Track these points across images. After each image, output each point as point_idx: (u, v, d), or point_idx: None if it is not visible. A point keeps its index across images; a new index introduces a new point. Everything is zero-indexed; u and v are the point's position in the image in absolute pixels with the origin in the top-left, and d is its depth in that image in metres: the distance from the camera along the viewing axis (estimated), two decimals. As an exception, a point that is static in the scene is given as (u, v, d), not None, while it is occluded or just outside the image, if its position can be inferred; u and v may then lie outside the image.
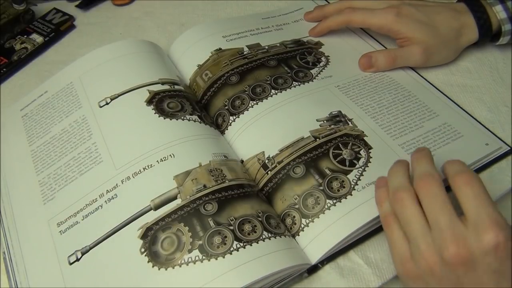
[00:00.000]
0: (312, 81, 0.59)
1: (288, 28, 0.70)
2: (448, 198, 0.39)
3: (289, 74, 0.60)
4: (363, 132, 0.53)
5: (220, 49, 0.64)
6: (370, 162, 0.50)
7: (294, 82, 0.59)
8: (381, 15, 0.61)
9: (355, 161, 0.50)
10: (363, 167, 0.50)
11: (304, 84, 0.59)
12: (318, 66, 0.62)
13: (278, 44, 0.65)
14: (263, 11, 0.75)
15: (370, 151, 0.51)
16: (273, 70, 0.61)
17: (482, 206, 0.38)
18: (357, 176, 0.49)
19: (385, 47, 0.66)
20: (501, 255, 0.36)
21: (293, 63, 0.62)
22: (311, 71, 0.61)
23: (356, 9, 0.63)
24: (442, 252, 0.38)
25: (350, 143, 0.52)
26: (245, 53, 0.63)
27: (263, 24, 0.70)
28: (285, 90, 0.58)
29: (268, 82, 0.59)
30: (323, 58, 0.63)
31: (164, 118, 0.54)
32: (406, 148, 0.52)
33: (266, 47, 0.64)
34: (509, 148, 0.53)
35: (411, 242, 0.40)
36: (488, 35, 0.60)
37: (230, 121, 0.56)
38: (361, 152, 0.51)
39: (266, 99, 0.57)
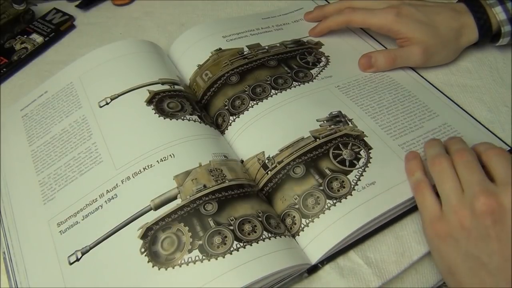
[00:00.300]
0: (312, 81, 0.59)
1: (288, 28, 0.70)
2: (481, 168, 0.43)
3: (289, 74, 0.60)
4: (363, 132, 0.53)
5: (220, 49, 0.64)
6: (370, 162, 0.50)
7: (294, 82, 0.59)
8: (381, 15, 0.61)
9: (355, 162, 0.50)
10: (363, 168, 0.50)
11: (304, 84, 0.59)
12: (318, 66, 0.62)
13: (278, 44, 0.65)
14: (263, 11, 0.75)
15: (370, 151, 0.51)
16: (273, 70, 0.60)
17: (509, 169, 0.42)
18: (357, 177, 0.49)
19: (385, 47, 0.66)
20: None
21: (293, 63, 0.62)
22: (311, 71, 0.61)
23: (356, 9, 0.63)
24: (472, 204, 0.40)
25: (350, 144, 0.52)
26: (245, 53, 0.63)
27: (263, 24, 0.70)
28: (285, 90, 0.58)
29: (268, 82, 0.59)
30: (323, 58, 0.63)
31: (164, 118, 0.54)
32: (406, 148, 0.52)
33: (266, 47, 0.64)
34: (509, 148, 0.53)
35: (444, 201, 0.43)
36: (488, 35, 0.60)
37: (230, 121, 0.56)
38: (361, 152, 0.51)
39: (266, 99, 0.57)
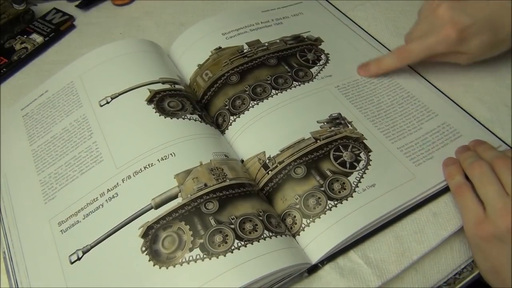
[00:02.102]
0: (312, 81, 0.59)
1: (288, 22, 0.70)
2: None
3: (289, 74, 0.60)
4: (363, 135, 0.53)
5: (220, 47, 0.64)
6: (370, 165, 0.51)
7: (294, 82, 0.59)
8: (439, 37, 0.54)
9: (356, 164, 0.50)
10: (363, 170, 0.50)
11: (304, 84, 0.59)
12: (318, 64, 0.62)
13: (278, 41, 0.65)
14: (262, 5, 0.74)
15: (369, 154, 0.52)
16: (273, 69, 0.61)
17: None
18: (358, 179, 0.49)
19: (382, 44, 0.66)
20: None
21: (293, 61, 0.62)
22: (311, 70, 0.61)
23: (409, 50, 0.57)
24: None
25: (350, 146, 0.52)
26: (245, 51, 0.63)
27: (263, 18, 0.70)
28: (286, 91, 0.58)
29: (269, 82, 0.59)
30: (323, 56, 0.63)
31: (165, 117, 0.54)
32: (405, 151, 0.52)
33: (266, 44, 0.64)
34: (509, 148, 0.53)
35: (487, 204, 0.44)
36: None
37: (231, 121, 0.56)
38: (361, 154, 0.51)
39: (267, 99, 0.57)
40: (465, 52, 0.54)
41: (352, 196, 0.48)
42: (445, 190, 0.50)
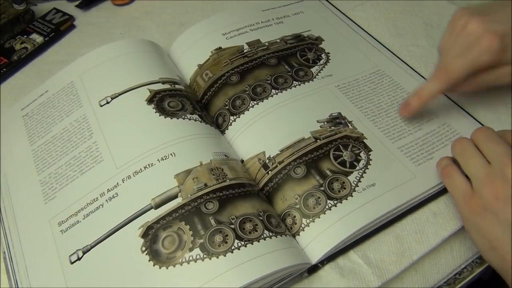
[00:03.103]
0: (313, 80, 0.59)
1: (288, 21, 0.70)
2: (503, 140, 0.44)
3: (289, 73, 0.60)
4: (363, 134, 0.53)
5: (220, 48, 0.64)
6: (370, 164, 0.51)
7: (294, 82, 0.59)
8: (480, 50, 0.49)
9: (355, 163, 0.50)
10: (363, 169, 0.50)
11: (304, 83, 0.59)
12: (318, 64, 0.62)
13: (278, 40, 0.65)
14: (263, 3, 0.74)
15: (370, 153, 0.52)
16: (274, 69, 0.61)
17: None
18: (357, 178, 0.49)
19: (383, 44, 0.66)
20: None
21: (293, 61, 0.62)
22: (311, 69, 0.61)
23: (451, 70, 0.51)
24: (503, 173, 0.41)
25: (350, 145, 0.52)
26: (245, 51, 0.63)
27: (263, 17, 0.70)
28: (286, 90, 0.58)
29: (269, 81, 0.59)
30: (323, 55, 0.63)
31: (165, 117, 0.54)
32: (405, 151, 0.52)
33: (266, 44, 0.64)
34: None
35: (472, 178, 0.44)
36: None
37: (231, 121, 0.56)
38: (361, 154, 0.51)
39: (267, 99, 0.57)
40: (508, 62, 0.50)
41: (352, 196, 0.48)
42: (445, 190, 0.50)
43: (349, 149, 0.52)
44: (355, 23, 0.70)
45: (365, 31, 0.68)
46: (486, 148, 0.44)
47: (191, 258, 0.43)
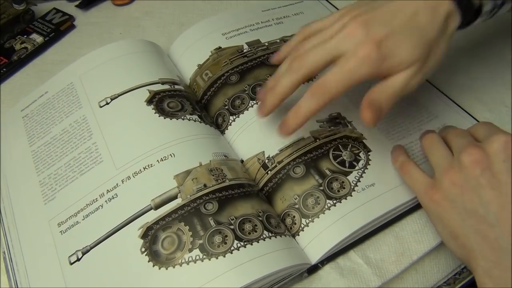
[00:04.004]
0: (312, 80, 0.59)
1: (288, 21, 0.70)
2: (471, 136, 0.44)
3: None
4: (362, 134, 0.53)
5: (220, 47, 0.64)
6: (369, 164, 0.51)
7: (294, 82, 0.59)
8: (356, 62, 0.43)
9: (355, 163, 0.50)
10: (362, 169, 0.50)
11: (303, 83, 0.59)
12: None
13: (278, 40, 0.65)
14: (263, 3, 0.74)
15: (369, 153, 0.52)
16: (273, 69, 0.60)
17: (491, 128, 0.44)
18: (357, 178, 0.49)
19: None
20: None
21: (292, 60, 0.62)
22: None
23: (325, 83, 0.44)
24: (460, 160, 0.40)
25: (350, 145, 0.52)
26: (244, 51, 0.63)
27: (263, 18, 0.69)
28: (285, 90, 0.58)
29: (268, 81, 0.59)
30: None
31: (164, 118, 0.54)
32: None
33: (266, 44, 0.64)
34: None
35: (435, 169, 0.44)
36: (469, 14, 0.46)
37: (230, 121, 0.56)
38: (361, 154, 0.51)
39: (266, 98, 0.57)
40: (396, 67, 0.43)
41: (351, 195, 0.48)
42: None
43: (348, 149, 0.52)
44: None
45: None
46: (452, 141, 0.44)
47: (190, 258, 0.43)
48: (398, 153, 0.50)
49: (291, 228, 0.48)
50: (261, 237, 0.44)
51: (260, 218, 0.46)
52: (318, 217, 0.47)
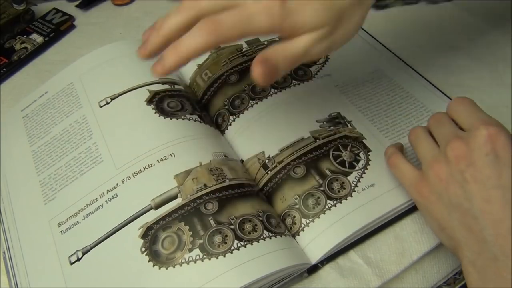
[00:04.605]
0: (312, 80, 0.59)
1: None
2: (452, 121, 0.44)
3: (288, 72, 0.60)
4: (362, 134, 0.53)
5: (219, 47, 0.64)
6: (369, 164, 0.50)
7: (293, 81, 0.59)
8: (261, 17, 0.37)
9: (355, 163, 0.50)
10: (362, 169, 0.50)
11: (303, 82, 0.59)
12: (318, 63, 0.62)
13: (277, 39, 0.65)
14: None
15: (369, 153, 0.51)
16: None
17: (473, 113, 0.42)
18: (357, 178, 0.49)
19: (383, 44, 0.65)
20: (495, 146, 0.38)
21: (292, 60, 0.62)
22: (310, 68, 0.61)
23: (218, 19, 0.37)
24: (445, 154, 0.40)
25: (350, 145, 0.52)
26: (244, 50, 0.63)
27: None
28: (285, 89, 0.58)
29: (268, 81, 0.59)
30: (322, 54, 0.63)
31: (164, 118, 0.54)
32: (405, 151, 0.52)
33: (266, 42, 0.64)
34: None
35: (422, 162, 0.44)
36: None
37: (230, 121, 0.56)
38: (361, 154, 0.51)
39: (266, 98, 0.57)
40: (300, 28, 0.38)
41: (351, 196, 0.48)
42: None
43: (348, 149, 0.52)
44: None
45: (365, 31, 0.68)
46: (435, 132, 0.44)
47: (190, 258, 0.43)
48: (389, 147, 0.50)
49: (291, 228, 0.48)
50: (261, 237, 0.44)
51: (260, 218, 0.46)
52: (319, 217, 0.47)
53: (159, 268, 0.43)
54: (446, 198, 0.40)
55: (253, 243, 0.44)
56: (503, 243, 0.36)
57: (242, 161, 0.54)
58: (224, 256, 0.43)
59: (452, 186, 0.40)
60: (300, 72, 0.60)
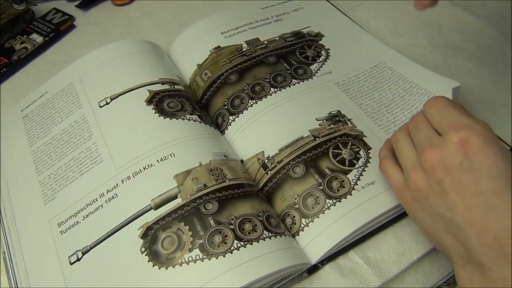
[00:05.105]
0: (312, 78, 0.59)
1: (287, 18, 0.70)
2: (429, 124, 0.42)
3: (288, 71, 0.60)
4: (362, 132, 0.53)
5: (219, 47, 0.64)
6: (369, 162, 0.50)
7: (293, 80, 0.59)
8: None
9: (355, 161, 0.50)
10: (362, 167, 0.50)
11: (303, 81, 0.59)
12: (318, 61, 0.62)
13: (277, 38, 0.65)
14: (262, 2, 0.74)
15: (369, 151, 0.51)
16: (272, 67, 0.60)
17: (444, 116, 0.40)
18: (357, 176, 0.49)
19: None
20: (467, 152, 0.37)
21: (292, 59, 0.62)
22: (310, 67, 0.61)
23: None
24: (421, 163, 0.40)
25: (350, 143, 0.52)
26: (244, 49, 0.63)
27: (262, 16, 0.69)
28: (284, 89, 0.58)
29: (267, 80, 0.59)
30: (323, 52, 0.63)
31: (164, 118, 0.54)
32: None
33: (265, 42, 0.64)
34: (509, 147, 0.53)
35: (403, 168, 0.43)
36: None
37: (230, 121, 0.56)
38: (361, 152, 0.51)
39: (266, 97, 0.57)
40: None
41: (351, 194, 0.48)
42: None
43: (348, 147, 0.51)
44: (355, 23, 0.70)
45: (365, 30, 0.68)
46: (413, 138, 0.43)
47: (190, 258, 0.43)
48: (382, 148, 0.49)
49: (291, 228, 0.48)
50: (261, 237, 0.44)
51: (260, 218, 0.46)
52: (318, 217, 0.47)
53: (159, 268, 0.43)
54: (428, 207, 0.40)
55: (253, 243, 0.44)
56: (489, 252, 0.36)
57: (242, 161, 0.54)
58: (224, 256, 0.43)
59: (432, 197, 0.39)
60: (300, 71, 0.60)
